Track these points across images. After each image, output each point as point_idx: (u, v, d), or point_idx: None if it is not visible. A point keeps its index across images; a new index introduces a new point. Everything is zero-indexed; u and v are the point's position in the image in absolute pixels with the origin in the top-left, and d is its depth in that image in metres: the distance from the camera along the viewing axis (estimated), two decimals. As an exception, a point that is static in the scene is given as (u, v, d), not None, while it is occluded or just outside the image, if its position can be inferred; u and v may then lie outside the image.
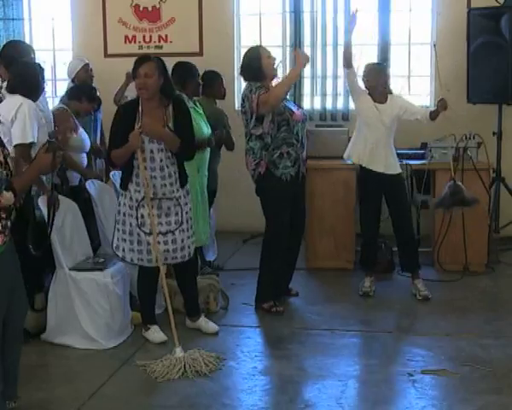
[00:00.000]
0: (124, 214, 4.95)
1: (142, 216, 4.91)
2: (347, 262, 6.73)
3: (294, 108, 5.64)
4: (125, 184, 4.93)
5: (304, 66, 5.60)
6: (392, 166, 6.05)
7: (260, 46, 5.90)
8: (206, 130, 5.75)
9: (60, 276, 5.00)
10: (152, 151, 4.84)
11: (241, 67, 5.66)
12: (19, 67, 5.07)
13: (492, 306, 5.98)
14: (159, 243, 4.91)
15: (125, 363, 4.73)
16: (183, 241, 5.01)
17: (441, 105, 6.01)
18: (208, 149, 5.85)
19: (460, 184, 6.23)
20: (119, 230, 4.99)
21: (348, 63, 6.04)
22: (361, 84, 6.14)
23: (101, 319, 4.96)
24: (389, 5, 8.06)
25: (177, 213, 4.99)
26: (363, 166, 6.05)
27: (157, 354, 4.83)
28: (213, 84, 6.42)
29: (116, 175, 6.09)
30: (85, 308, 4.96)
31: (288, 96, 5.75)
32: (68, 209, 5.24)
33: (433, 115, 6.08)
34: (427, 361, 4.70)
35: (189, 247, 5.07)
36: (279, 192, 5.55)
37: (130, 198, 4.91)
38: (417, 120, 6.12)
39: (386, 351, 5.00)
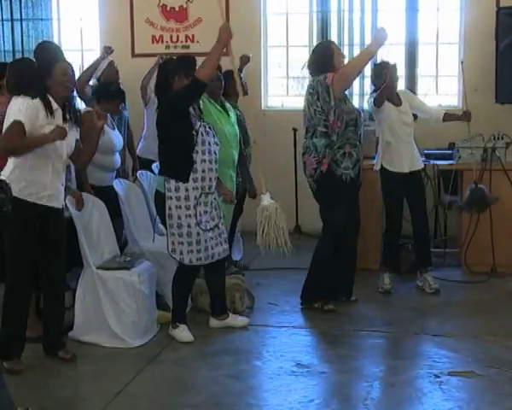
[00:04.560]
0: (178, 217, 4.91)
1: (200, 214, 4.93)
2: (373, 263, 6.69)
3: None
4: (186, 177, 4.88)
5: (382, 44, 5.33)
6: (416, 163, 6.11)
7: (332, 42, 5.83)
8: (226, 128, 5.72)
9: (87, 274, 5.04)
10: (209, 143, 4.93)
11: (310, 61, 5.62)
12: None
13: (520, 308, 5.92)
14: (211, 238, 4.99)
15: (151, 362, 4.75)
16: (223, 234, 5.12)
17: (465, 117, 6.13)
18: (236, 149, 5.84)
19: (482, 186, 6.25)
20: (173, 234, 4.96)
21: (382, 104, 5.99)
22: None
23: (128, 318, 4.98)
24: (417, 4, 8.01)
25: (215, 208, 5.07)
26: (393, 170, 6.06)
27: (183, 353, 4.87)
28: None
29: (144, 175, 6.13)
30: (112, 307, 4.98)
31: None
32: (95, 208, 5.28)
33: (447, 119, 6.17)
34: (454, 363, 4.67)
35: (227, 241, 5.15)
36: (338, 192, 5.49)
37: (186, 198, 4.89)
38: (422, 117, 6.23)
39: (413, 352, 4.98)
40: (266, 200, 4.93)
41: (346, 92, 5.74)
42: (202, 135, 4.91)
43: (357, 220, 5.79)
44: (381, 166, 6.11)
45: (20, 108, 4.31)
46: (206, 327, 5.28)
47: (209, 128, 5.02)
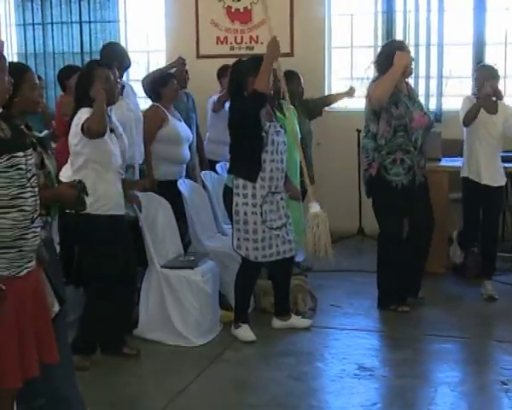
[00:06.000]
0: (245, 214, 4.97)
1: (266, 212, 4.97)
2: (439, 266, 6.58)
3: (417, 114, 5.45)
4: (254, 177, 4.93)
5: (403, 65, 5.33)
6: (495, 178, 5.96)
7: (402, 42, 5.75)
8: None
9: (151, 273, 5.10)
10: (278, 143, 4.98)
11: (378, 57, 5.61)
12: None
13: None
14: (277, 236, 5.02)
15: (214, 361, 4.78)
16: (290, 234, 5.11)
17: None
18: (297, 150, 5.79)
19: None
20: (239, 230, 5.01)
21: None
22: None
23: (191, 317, 5.02)
24: (485, 4, 7.86)
25: (283, 207, 5.09)
26: (471, 178, 5.96)
27: (246, 353, 4.88)
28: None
29: (207, 175, 6.17)
30: (176, 305, 5.03)
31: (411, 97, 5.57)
32: (160, 207, 5.34)
33: None
34: (522, 370, 4.57)
35: (292, 242, 5.15)
36: (388, 198, 5.46)
37: (253, 196, 4.95)
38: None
39: (479, 358, 4.88)
40: (316, 207, 4.96)
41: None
42: (272, 135, 4.95)
43: (428, 225, 5.69)
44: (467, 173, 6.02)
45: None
46: (269, 328, 5.28)
47: (280, 127, 5.06)
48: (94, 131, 4.29)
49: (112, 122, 4.60)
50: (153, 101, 5.88)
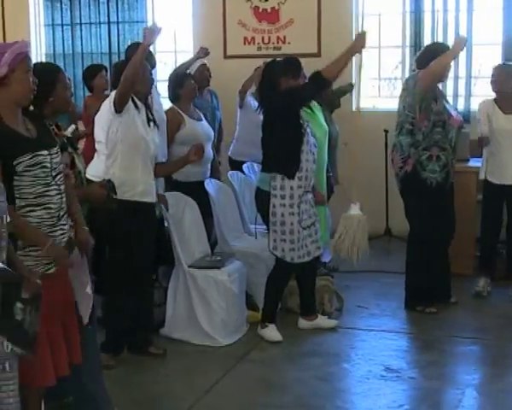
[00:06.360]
0: (282, 215, 4.98)
1: (302, 212, 5.00)
2: (466, 268, 6.53)
3: (453, 112, 5.51)
4: (293, 173, 4.94)
5: (461, 49, 5.50)
6: None
7: (448, 47, 5.79)
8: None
9: (179, 272, 5.12)
10: (311, 144, 5.00)
11: (419, 54, 5.62)
12: None
13: None
14: (308, 236, 5.05)
15: (240, 361, 4.79)
16: (318, 233, 5.14)
17: None
18: (326, 151, 5.78)
19: None
20: (276, 231, 5.02)
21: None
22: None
23: (218, 316, 5.04)
24: (515, 3, 7.79)
25: (312, 206, 5.11)
26: (493, 182, 5.93)
27: (272, 354, 4.89)
28: None
29: (234, 175, 6.17)
30: (202, 305, 5.05)
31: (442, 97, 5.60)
32: (188, 207, 5.36)
33: None
34: (550, 373, 4.53)
35: (319, 240, 5.18)
36: (422, 197, 5.43)
37: (291, 196, 4.96)
38: None
39: (506, 361, 4.85)
40: (354, 210, 4.98)
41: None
42: (308, 135, 4.98)
43: (454, 227, 5.68)
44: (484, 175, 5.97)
45: None
46: (295, 328, 5.28)
47: (310, 128, 5.07)
48: (128, 75, 4.30)
49: (152, 113, 4.66)
50: (171, 101, 5.90)
